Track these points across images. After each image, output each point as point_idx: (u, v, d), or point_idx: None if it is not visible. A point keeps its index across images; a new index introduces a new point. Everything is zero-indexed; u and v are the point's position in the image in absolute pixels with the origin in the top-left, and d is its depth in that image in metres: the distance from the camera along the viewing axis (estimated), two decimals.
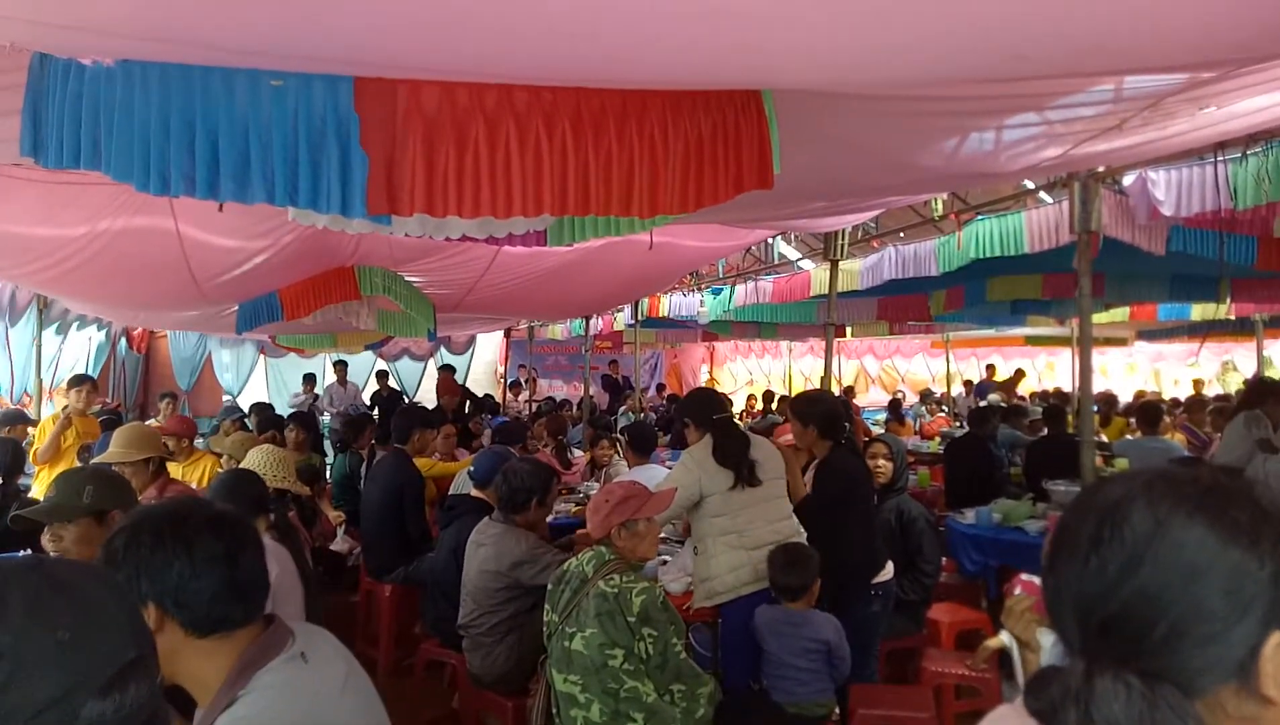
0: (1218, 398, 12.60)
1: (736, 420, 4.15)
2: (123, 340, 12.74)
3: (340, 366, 12.79)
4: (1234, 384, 15.39)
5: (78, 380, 6.90)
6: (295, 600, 3.11)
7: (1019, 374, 15.32)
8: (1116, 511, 0.85)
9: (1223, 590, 0.80)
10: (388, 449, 6.03)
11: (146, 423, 6.20)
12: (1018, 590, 3.64)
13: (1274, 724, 0.84)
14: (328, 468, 7.76)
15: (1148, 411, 7.19)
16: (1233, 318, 10.16)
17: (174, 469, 5.17)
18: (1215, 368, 18.08)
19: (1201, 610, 0.80)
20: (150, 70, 1.80)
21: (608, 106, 1.94)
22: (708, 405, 4.09)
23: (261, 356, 14.38)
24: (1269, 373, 11.47)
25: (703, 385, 4.84)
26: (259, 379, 14.40)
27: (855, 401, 14.72)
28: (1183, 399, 11.63)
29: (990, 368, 15.56)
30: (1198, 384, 14.86)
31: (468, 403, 11.84)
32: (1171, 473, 0.88)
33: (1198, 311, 10.14)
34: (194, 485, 5.12)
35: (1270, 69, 2.29)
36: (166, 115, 1.80)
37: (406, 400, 13.65)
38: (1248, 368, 13.55)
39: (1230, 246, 5.21)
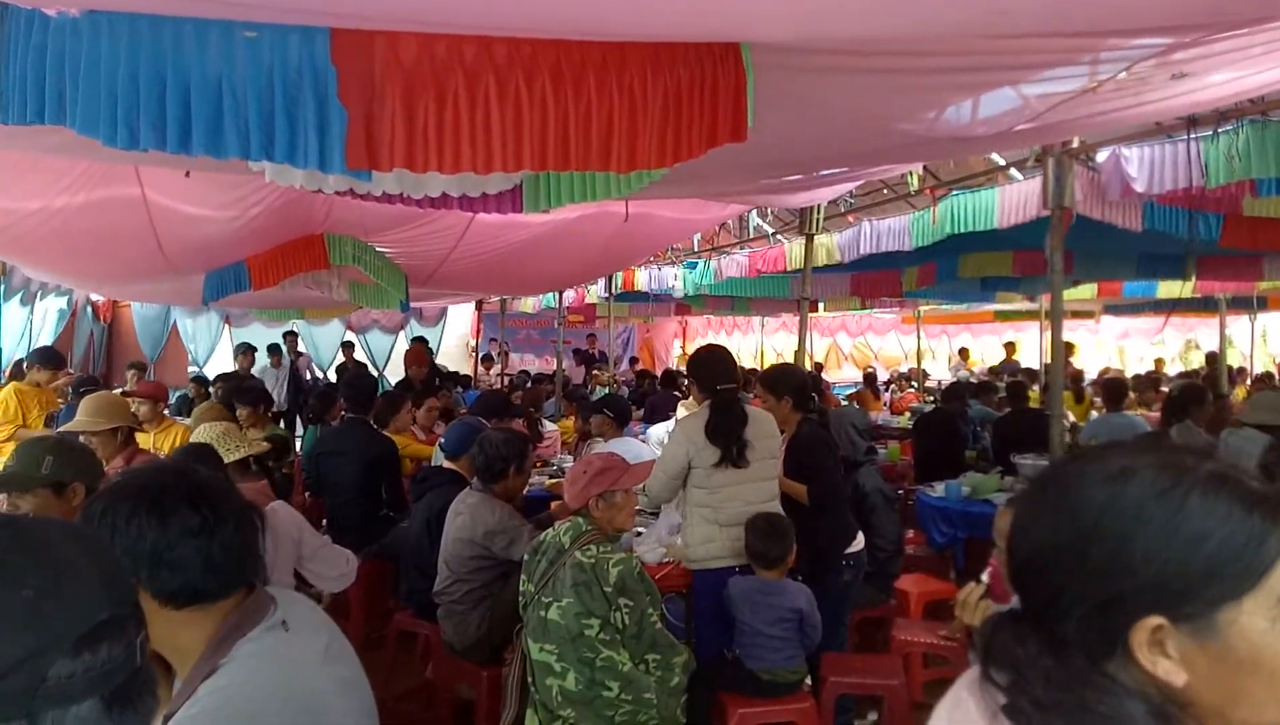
0: (1180, 375, 12.87)
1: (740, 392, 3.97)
2: (87, 309, 12.47)
3: (290, 337, 12.39)
4: (1195, 361, 15.69)
5: (49, 359, 6.75)
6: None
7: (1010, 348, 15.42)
8: (1064, 475, 0.92)
9: (1144, 548, 0.83)
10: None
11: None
12: (985, 575, 3.70)
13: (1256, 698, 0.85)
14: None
15: (1112, 388, 7.29)
16: (1197, 296, 10.33)
17: (144, 439, 5.09)
18: (1179, 345, 18.42)
19: (1081, 570, 0.86)
20: (118, 21, 1.73)
21: (587, 59, 1.91)
22: (716, 371, 3.90)
23: (226, 326, 14.16)
24: (1230, 351, 11.68)
25: (716, 344, 4.78)
26: (225, 348, 14.17)
27: (826, 376, 14.82)
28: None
29: (1010, 346, 15.39)
30: (1159, 363, 15.11)
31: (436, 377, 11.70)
32: (1118, 444, 0.93)
33: (1163, 289, 10.31)
34: (163, 455, 5.04)
35: (1240, 37, 2.32)
36: (135, 67, 1.74)
37: (376, 373, 13.52)
38: (1210, 346, 13.79)
39: (1200, 223, 5.27)
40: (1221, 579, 0.82)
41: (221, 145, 1.82)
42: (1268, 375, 12.77)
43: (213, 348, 14.13)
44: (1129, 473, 0.86)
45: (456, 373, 12.72)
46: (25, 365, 7.61)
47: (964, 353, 16.43)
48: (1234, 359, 14.13)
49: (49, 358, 6.80)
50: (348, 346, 12.74)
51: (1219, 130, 3.90)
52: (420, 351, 10.57)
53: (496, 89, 1.88)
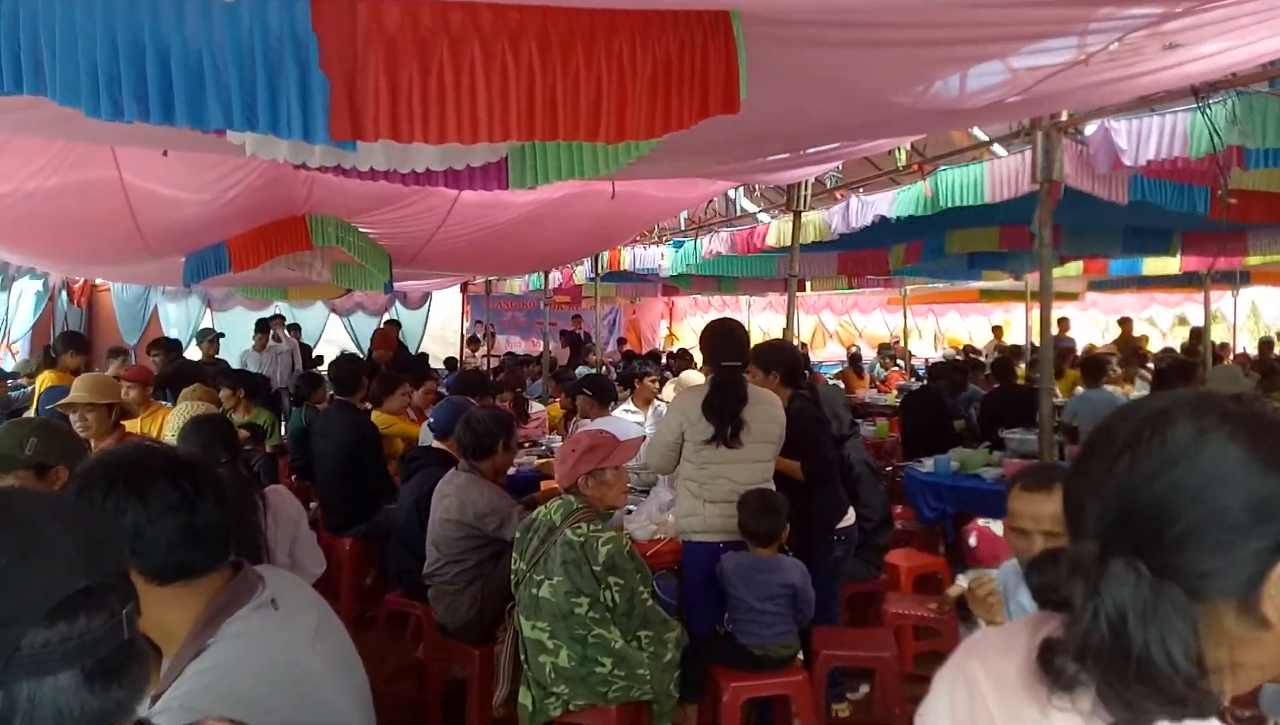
0: (1164, 351, 12.94)
1: (744, 372, 3.82)
2: (63, 293, 12.30)
3: (278, 320, 11.78)
4: (1182, 337, 15.77)
5: (79, 344, 6.68)
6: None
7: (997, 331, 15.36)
8: (1160, 418, 0.87)
9: (1246, 504, 0.82)
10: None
11: None
12: (972, 538, 3.71)
13: (1266, 649, 0.85)
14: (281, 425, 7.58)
15: (1091, 366, 7.34)
16: (1181, 273, 10.38)
17: (131, 424, 5.04)
18: (1167, 322, 18.54)
19: (1222, 517, 0.82)
20: None
21: (575, 27, 1.87)
22: (721, 347, 3.82)
23: (208, 310, 14.00)
24: (1215, 325, 11.76)
25: (730, 318, 4.74)
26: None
27: (811, 355, 14.83)
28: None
29: (1063, 321, 15.13)
30: (1144, 339, 15.18)
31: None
32: (1217, 395, 0.89)
33: (1148, 266, 10.35)
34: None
35: (1230, 5, 2.30)
36: (113, 35, 1.69)
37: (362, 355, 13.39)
38: (1198, 321, 13.84)
39: (1189, 196, 5.28)
40: None
41: (205, 115, 1.78)
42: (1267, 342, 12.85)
43: (194, 331, 13.97)
44: (1267, 421, 0.86)
45: (425, 355, 12.52)
46: (52, 352, 7.51)
47: (998, 331, 15.72)
48: (1221, 334, 14.24)
49: (79, 343, 6.76)
50: (276, 320, 11.68)
51: (1209, 101, 3.89)
52: (389, 334, 10.46)
53: (482, 57, 1.84)
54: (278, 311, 12.18)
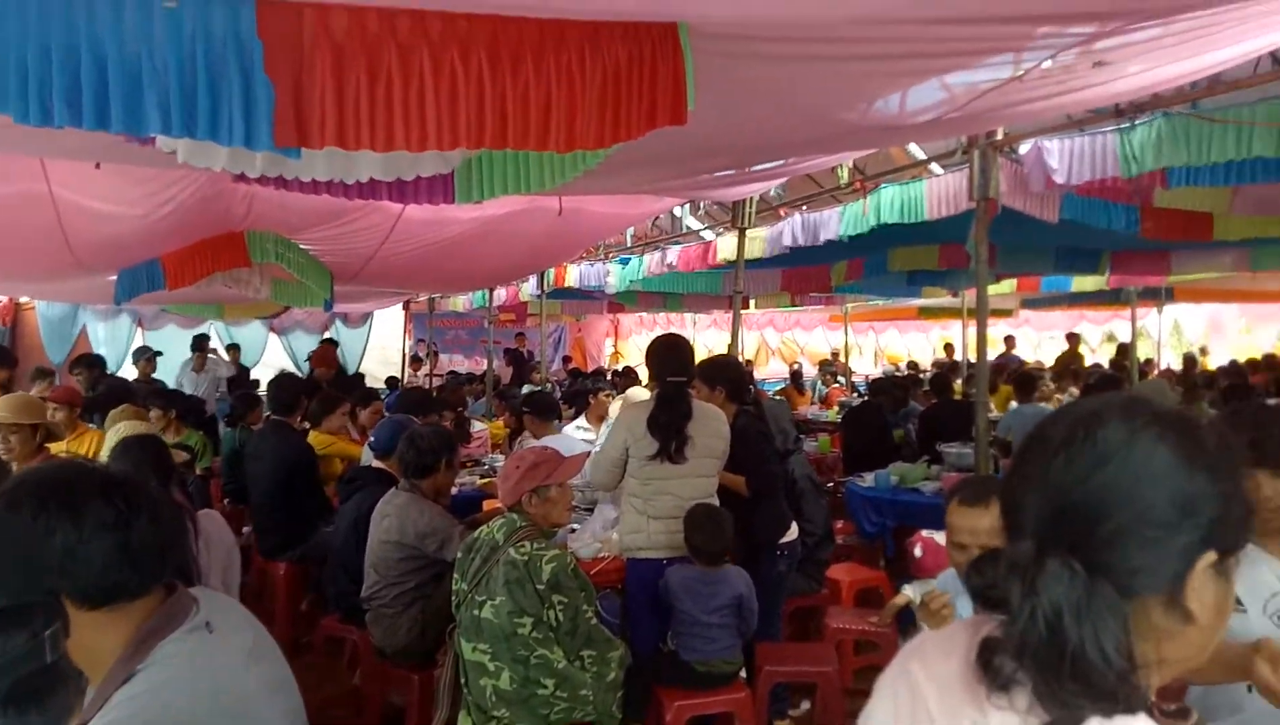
0: (1093, 367, 13.34)
1: (689, 387, 3.81)
2: None
3: (203, 342, 11.25)
4: (1111, 353, 16.26)
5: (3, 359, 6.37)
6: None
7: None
8: (1093, 420, 0.90)
9: (1173, 501, 0.86)
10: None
11: None
12: (917, 549, 3.75)
13: (1189, 643, 0.88)
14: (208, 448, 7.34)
15: (1023, 381, 7.54)
16: (1109, 290, 10.73)
17: (57, 447, 4.85)
18: (1096, 338, 19.12)
19: (1151, 514, 0.86)
20: None
21: (525, 37, 1.86)
22: (666, 362, 3.81)
23: (139, 328, 13.58)
24: (1141, 342, 12.17)
25: (676, 334, 4.73)
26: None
27: (755, 372, 14.94)
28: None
29: (1009, 339, 15.03)
30: (1080, 356, 15.63)
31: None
32: (1146, 399, 0.94)
33: (1077, 284, 10.68)
34: None
35: (1155, 26, 2.40)
36: (46, 39, 1.63)
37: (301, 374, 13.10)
38: (1126, 337, 14.31)
39: (1116, 215, 5.47)
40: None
41: (142, 121, 1.72)
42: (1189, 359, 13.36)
43: (125, 352, 13.51)
44: (1192, 423, 0.91)
45: (361, 375, 12.29)
46: None
47: (1009, 341, 15.33)
48: (1147, 350, 14.72)
49: (3, 357, 6.46)
50: (202, 341, 11.23)
51: (1135, 121, 4.04)
52: (329, 352, 10.23)
53: (431, 65, 1.82)
54: (204, 332, 11.80)
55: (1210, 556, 0.87)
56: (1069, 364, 12.15)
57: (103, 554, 1.33)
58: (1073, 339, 14.66)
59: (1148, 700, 0.87)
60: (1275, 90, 3.79)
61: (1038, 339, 19.35)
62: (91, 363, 8.22)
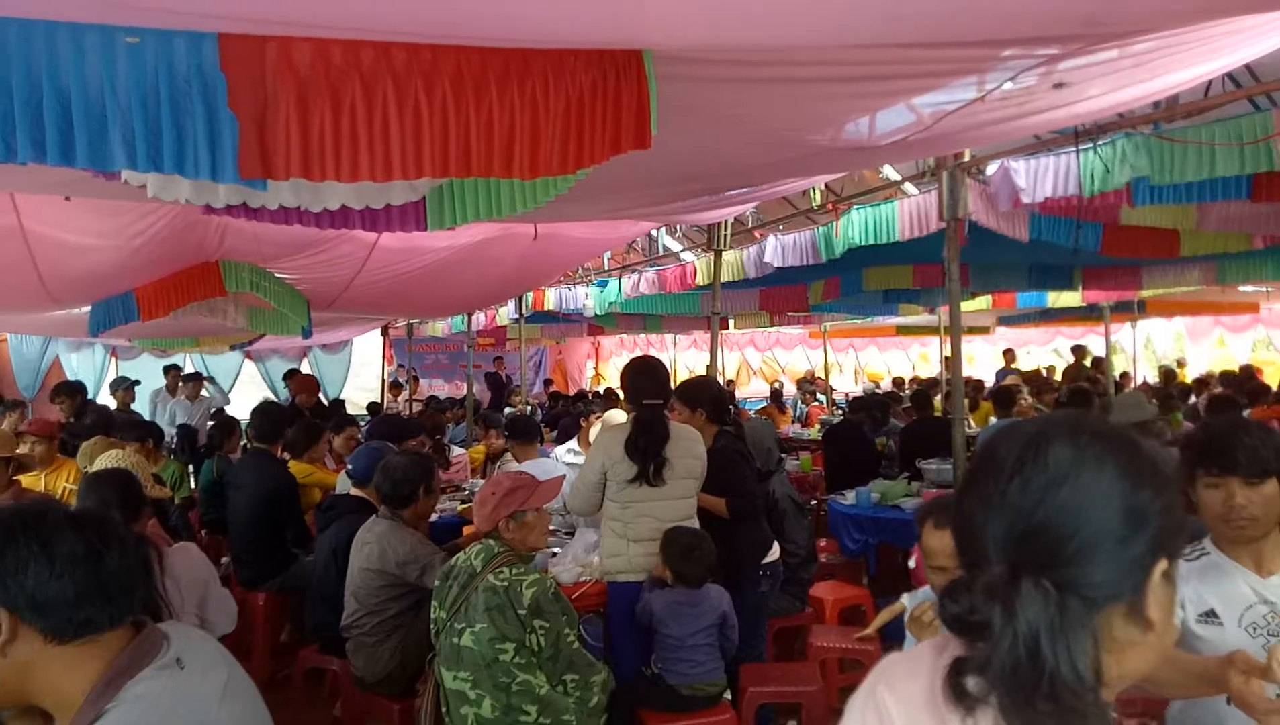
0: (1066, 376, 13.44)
1: (665, 410, 3.82)
2: None
3: (174, 371, 10.94)
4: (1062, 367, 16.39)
5: None
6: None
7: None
8: (1040, 441, 0.94)
9: (1124, 514, 0.90)
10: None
11: None
12: (911, 561, 3.76)
13: (1148, 652, 0.90)
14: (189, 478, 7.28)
15: (1002, 395, 7.62)
16: (1084, 305, 10.86)
17: (32, 480, 4.79)
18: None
19: (1108, 528, 0.90)
20: None
21: (489, 66, 1.89)
22: (643, 384, 3.80)
23: (112, 359, 13.46)
24: (1115, 357, 12.31)
25: (650, 356, 4.74)
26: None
27: (736, 392, 14.97)
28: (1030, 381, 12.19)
29: (1008, 352, 14.98)
30: (1050, 369, 15.78)
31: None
32: (1085, 417, 0.99)
33: (1052, 299, 10.81)
34: (56, 497, 4.74)
35: (1112, 47, 2.46)
36: (7, 75, 1.64)
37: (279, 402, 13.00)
38: (1100, 352, 14.43)
39: (1081, 233, 5.55)
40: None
41: (107, 156, 1.73)
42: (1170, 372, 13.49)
43: (99, 383, 13.37)
44: (1129, 439, 0.96)
45: (341, 402, 12.21)
46: None
47: (1009, 354, 15.18)
48: (1122, 364, 14.87)
49: None
50: (172, 371, 10.94)
51: (1097, 142, 4.11)
52: (310, 379, 10.18)
53: (395, 96, 1.84)
54: (175, 362, 11.68)
55: (1163, 564, 0.91)
56: (1045, 379, 12.25)
57: (74, 586, 1.32)
58: (1079, 352, 14.68)
59: (1109, 717, 0.88)
60: (1232, 111, 3.88)
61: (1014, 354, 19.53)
62: (73, 391, 8.15)
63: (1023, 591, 0.86)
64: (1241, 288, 11.15)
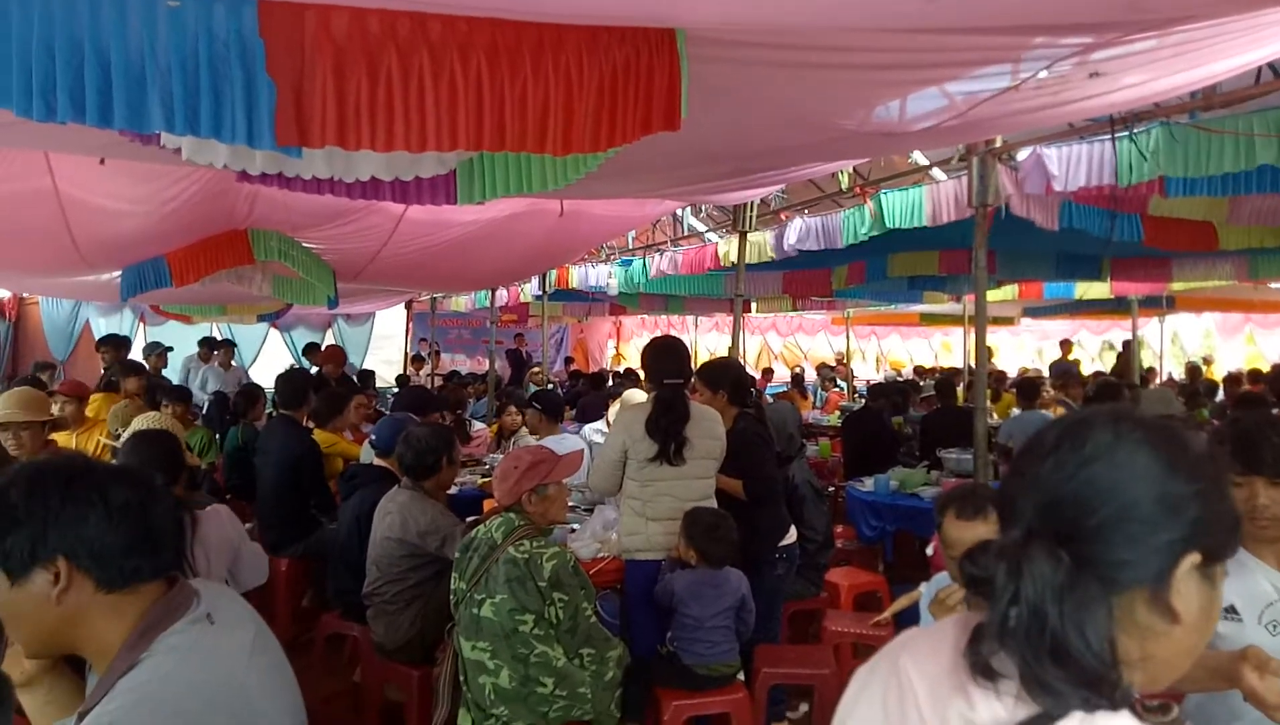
0: (1094, 374, 13.32)
1: (686, 390, 3.81)
2: None
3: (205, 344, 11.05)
4: (1110, 362, 16.25)
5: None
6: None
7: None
8: (1082, 426, 0.97)
9: (1155, 499, 0.90)
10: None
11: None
12: (930, 548, 3.77)
13: (1174, 643, 0.90)
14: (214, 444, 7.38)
15: (1026, 387, 7.55)
16: (1112, 297, 10.72)
17: (64, 438, 4.88)
18: (1096, 347, 19.12)
19: (1134, 510, 0.90)
20: None
21: (523, 40, 1.89)
22: (664, 363, 3.82)
23: (141, 324, 13.61)
24: (1143, 352, 12.16)
25: (672, 336, 4.74)
26: (139, 348, 13.62)
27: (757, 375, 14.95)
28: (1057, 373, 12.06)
29: (1065, 343, 14.82)
30: (1076, 363, 15.58)
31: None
32: (1131, 409, 1.00)
33: (1080, 291, 10.69)
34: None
35: (1152, 38, 2.42)
36: (50, 36, 1.66)
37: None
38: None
39: (1118, 224, 5.48)
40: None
41: (145, 119, 1.75)
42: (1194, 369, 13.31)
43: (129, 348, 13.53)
44: (1174, 431, 0.97)
45: (371, 371, 12.33)
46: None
47: (1065, 344, 14.70)
48: (1148, 359, 14.69)
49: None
50: (206, 342, 11.01)
51: (1133, 131, 4.05)
52: (336, 350, 10.30)
53: (431, 67, 1.85)
54: (208, 336, 11.80)
55: (1194, 558, 0.91)
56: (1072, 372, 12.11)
57: (127, 537, 1.37)
58: (1065, 346, 14.56)
59: (1131, 697, 0.89)
60: (1274, 100, 3.81)
61: (1039, 347, 19.39)
62: (118, 343, 8.39)
63: (1032, 553, 0.89)
64: (1273, 285, 10.95)
